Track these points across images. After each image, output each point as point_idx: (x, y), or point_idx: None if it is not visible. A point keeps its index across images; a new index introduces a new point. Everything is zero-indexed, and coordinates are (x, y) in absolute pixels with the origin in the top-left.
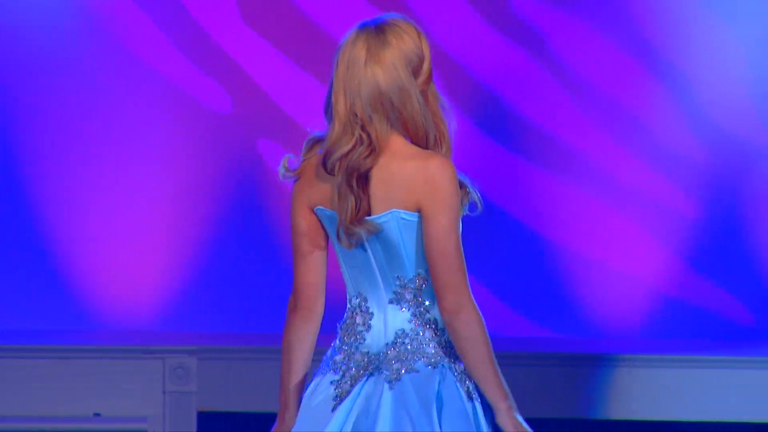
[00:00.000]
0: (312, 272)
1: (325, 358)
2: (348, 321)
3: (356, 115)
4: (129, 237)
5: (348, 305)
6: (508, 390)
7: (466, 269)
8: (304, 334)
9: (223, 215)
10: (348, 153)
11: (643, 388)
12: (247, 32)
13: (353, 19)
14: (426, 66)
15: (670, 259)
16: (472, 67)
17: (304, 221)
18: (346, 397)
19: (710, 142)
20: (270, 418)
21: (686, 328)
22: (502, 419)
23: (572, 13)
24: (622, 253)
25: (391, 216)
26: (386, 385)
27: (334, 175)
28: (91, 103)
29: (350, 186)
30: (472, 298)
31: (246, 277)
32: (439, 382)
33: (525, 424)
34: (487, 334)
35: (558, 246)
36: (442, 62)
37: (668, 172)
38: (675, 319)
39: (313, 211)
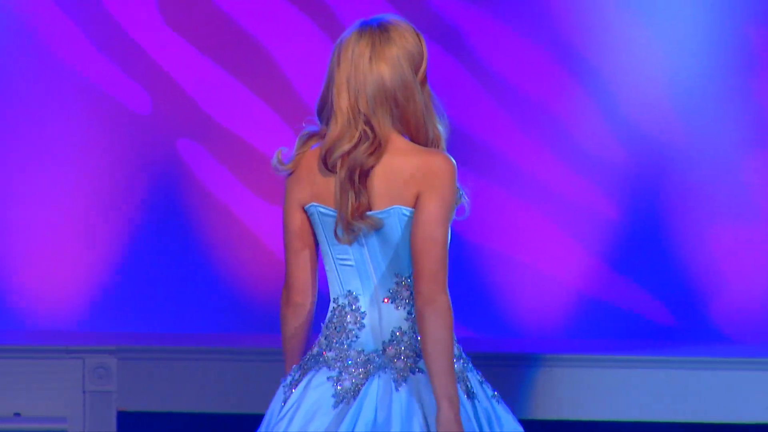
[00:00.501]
0: (304, 268)
1: (310, 354)
2: (335, 320)
3: (360, 111)
4: (48, 237)
5: (333, 304)
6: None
7: (447, 265)
8: (295, 328)
9: (143, 215)
10: (351, 150)
11: (565, 388)
12: (168, 33)
13: (274, 20)
14: (424, 65)
15: (591, 260)
16: None
17: (296, 219)
18: (352, 397)
19: (630, 143)
20: (191, 418)
21: (608, 329)
22: (447, 417)
23: (491, 13)
24: (544, 255)
25: (393, 212)
26: (393, 385)
27: (335, 171)
28: (8, 102)
29: (352, 182)
30: (448, 292)
31: (165, 277)
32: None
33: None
34: (453, 332)
35: (479, 247)
36: None
37: (589, 173)
38: (596, 320)
39: (303, 208)
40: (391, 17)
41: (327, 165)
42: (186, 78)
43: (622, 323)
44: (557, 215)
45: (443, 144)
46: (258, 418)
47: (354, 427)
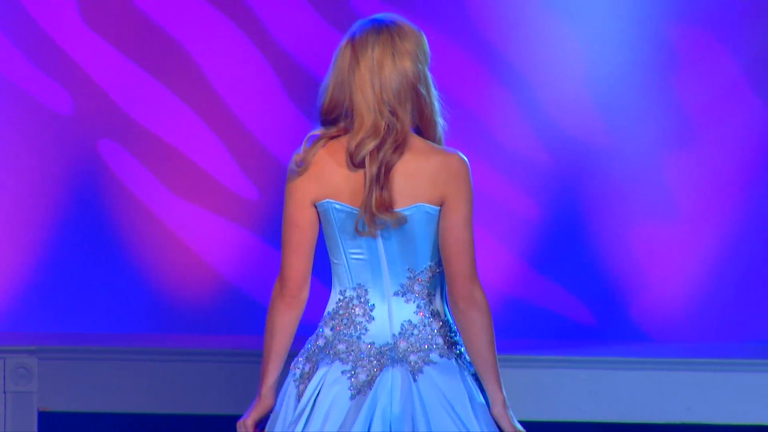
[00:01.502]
0: (301, 262)
1: (316, 347)
2: (341, 312)
3: (386, 105)
4: None
5: (338, 296)
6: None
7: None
8: (287, 320)
9: (64, 214)
10: (380, 144)
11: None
12: (88, 33)
13: (194, 21)
14: (428, 62)
15: (511, 260)
16: (312, 66)
17: (303, 215)
18: (368, 388)
19: (551, 142)
20: (112, 418)
21: (528, 328)
22: (500, 411)
23: (409, 12)
24: None
25: (417, 209)
26: (410, 377)
27: (362, 167)
28: None
29: (378, 177)
30: (482, 287)
31: (86, 277)
32: (461, 375)
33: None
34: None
35: None
36: (281, 61)
37: (509, 172)
38: (517, 319)
39: (314, 205)
40: (396, 16)
41: (354, 161)
42: (107, 79)
43: (543, 323)
44: (478, 214)
45: (442, 138)
46: (180, 418)
47: (372, 417)
